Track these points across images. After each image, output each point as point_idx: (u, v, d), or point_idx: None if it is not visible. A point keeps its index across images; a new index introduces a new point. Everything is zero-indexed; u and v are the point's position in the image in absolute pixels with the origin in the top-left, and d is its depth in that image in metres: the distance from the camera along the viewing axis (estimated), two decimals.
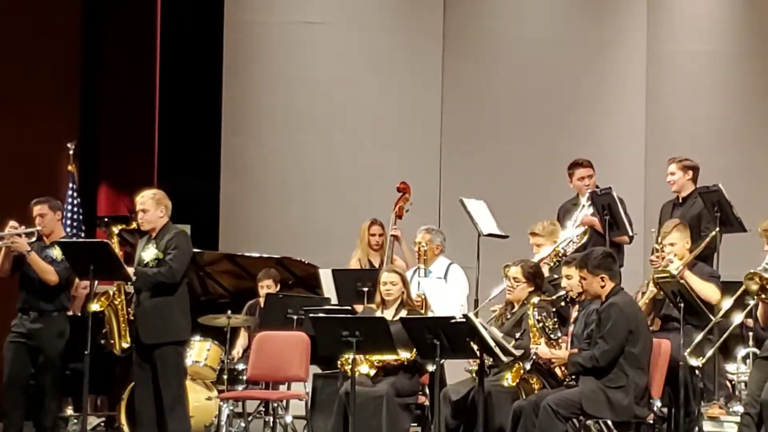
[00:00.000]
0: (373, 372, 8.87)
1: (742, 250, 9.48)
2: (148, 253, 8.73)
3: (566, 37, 14.02)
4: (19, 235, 9.03)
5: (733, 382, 9.52)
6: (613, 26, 14.24)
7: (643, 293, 9.11)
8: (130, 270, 8.73)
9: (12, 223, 9.09)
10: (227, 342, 10.25)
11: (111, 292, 8.79)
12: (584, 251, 8.97)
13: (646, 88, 14.27)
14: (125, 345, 8.81)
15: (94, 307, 8.74)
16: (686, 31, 14.52)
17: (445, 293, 9.86)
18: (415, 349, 8.44)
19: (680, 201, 9.82)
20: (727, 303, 8.64)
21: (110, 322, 8.82)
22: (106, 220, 11.80)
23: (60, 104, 12.38)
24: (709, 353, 8.56)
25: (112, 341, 8.85)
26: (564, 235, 9.78)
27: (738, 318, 8.80)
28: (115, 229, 9.07)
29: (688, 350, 8.43)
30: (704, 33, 14.58)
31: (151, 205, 8.82)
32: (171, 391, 8.76)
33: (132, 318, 8.78)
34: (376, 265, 10.28)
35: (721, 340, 8.62)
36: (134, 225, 8.94)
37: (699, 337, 8.53)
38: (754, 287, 8.04)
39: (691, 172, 9.76)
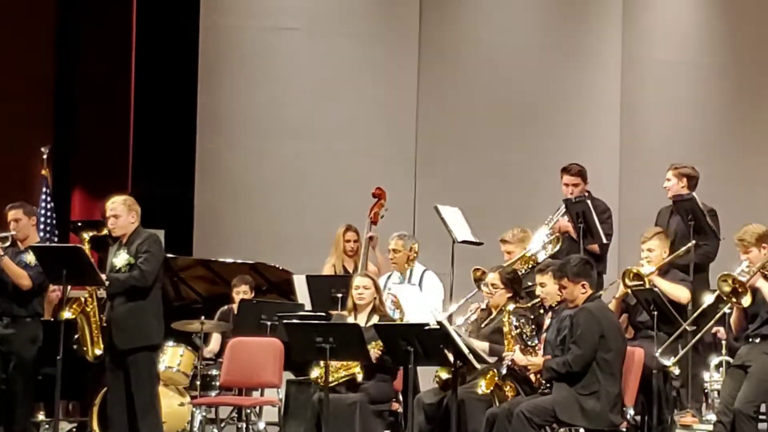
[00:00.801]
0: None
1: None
2: (120, 258, 8.70)
3: (541, 45, 14.07)
4: None
5: (706, 391, 9.55)
6: (588, 35, 14.29)
7: (615, 297, 9.14)
8: (104, 276, 8.70)
9: None
10: (200, 347, 10.23)
11: (83, 299, 8.75)
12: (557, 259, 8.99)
13: (620, 96, 14.32)
14: (98, 351, 8.78)
15: (66, 314, 8.69)
16: (660, 41, 14.60)
17: (418, 300, 9.88)
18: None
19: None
20: (707, 299, 8.57)
21: (82, 329, 8.79)
22: (79, 224, 11.78)
23: (33, 108, 12.34)
24: (681, 353, 8.54)
25: (85, 348, 8.81)
26: (535, 242, 9.77)
27: (710, 322, 8.77)
28: (86, 235, 9.01)
29: (660, 350, 8.42)
30: (678, 43, 14.66)
31: (123, 211, 8.79)
32: (143, 396, 8.71)
33: (105, 324, 8.74)
34: (351, 271, 10.27)
35: (694, 340, 8.60)
36: (105, 231, 8.88)
37: (671, 339, 8.52)
38: (727, 288, 8.07)
39: (685, 180, 9.72)
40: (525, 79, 13.95)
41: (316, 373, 8.71)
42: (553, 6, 14.16)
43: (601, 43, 14.33)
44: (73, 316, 8.70)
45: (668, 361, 8.46)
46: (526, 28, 14.06)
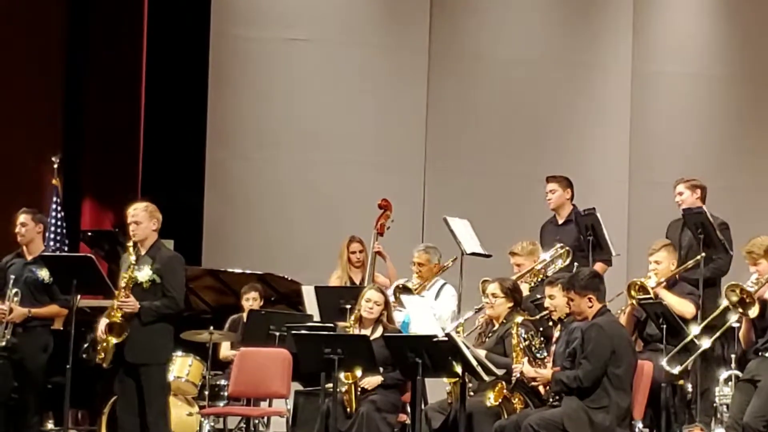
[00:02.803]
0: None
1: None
2: (143, 273, 8.58)
3: (550, 58, 14.07)
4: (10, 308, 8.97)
5: (716, 405, 9.52)
6: (598, 48, 14.30)
7: (622, 310, 9.12)
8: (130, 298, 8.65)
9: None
10: (209, 357, 10.21)
11: (118, 316, 8.66)
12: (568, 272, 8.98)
13: (630, 109, 14.31)
14: (111, 359, 8.73)
15: (104, 320, 8.61)
16: (669, 54, 14.60)
17: (427, 312, 9.87)
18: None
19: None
20: (723, 309, 8.55)
21: (111, 335, 8.69)
22: (89, 234, 11.79)
23: (43, 118, 12.34)
24: (689, 361, 8.52)
25: (101, 355, 8.73)
26: (543, 256, 9.75)
27: (717, 333, 8.74)
28: (130, 245, 8.86)
29: (666, 358, 8.41)
30: (687, 55, 14.67)
31: (144, 218, 8.73)
32: (154, 408, 8.68)
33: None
34: (357, 282, 10.26)
35: (701, 350, 8.56)
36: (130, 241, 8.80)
37: (676, 348, 8.49)
38: (734, 298, 8.12)
39: (699, 191, 9.72)
40: (534, 92, 13.95)
41: None
42: (562, 19, 14.15)
43: (610, 56, 14.33)
44: (117, 321, 8.60)
45: (674, 370, 8.43)
46: (535, 42, 14.05)
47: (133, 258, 8.62)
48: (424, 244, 10.34)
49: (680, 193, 9.69)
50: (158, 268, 8.61)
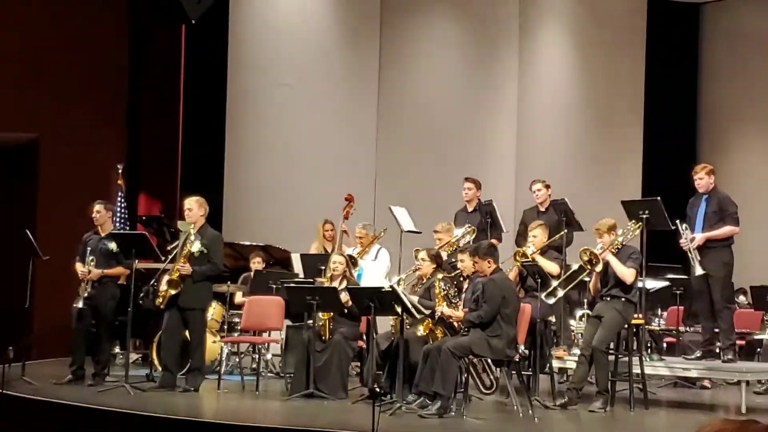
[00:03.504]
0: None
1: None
2: (195, 246, 8.67)
3: (462, 92, 14.11)
4: (89, 271, 8.91)
5: (573, 334, 9.59)
6: (494, 84, 14.35)
7: (510, 269, 9.15)
8: (187, 265, 8.61)
9: (78, 267, 8.96)
10: (227, 303, 10.20)
11: (176, 276, 8.63)
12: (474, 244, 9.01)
13: (516, 126, 14.38)
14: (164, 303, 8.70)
15: (166, 287, 8.58)
16: (546, 88, 14.68)
17: (375, 270, 9.94)
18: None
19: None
20: (573, 267, 8.53)
21: (168, 292, 8.66)
22: (144, 218, 11.75)
23: (112, 137, 12.28)
24: (560, 294, 8.44)
25: (161, 300, 8.68)
26: (456, 233, 9.78)
27: (572, 284, 8.68)
28: (191, 229, 8.80)
29: (544, 293, 8.38)
30: (555, 90, 14.76)
31: (195, 207, 8.82)
32: (196, 337, 8.79)
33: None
34: (329, 252, 10.25)
35: (567, 289, 8.51)
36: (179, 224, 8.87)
37: (547, 290, 8.42)
38: (585, 258, 8.13)
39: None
40: (452, 116, 14.03)
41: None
42: (471, 65, 14.20)
43: (503, 91, 14.40)
44: (173, 291, 8.60)
45: (551, 300, 8.38)
46: (451, 80, 14.10)
47: (191, 235, 8.70)
48: (362, 223, 10.33)
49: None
50: (205, 243, 8.70)
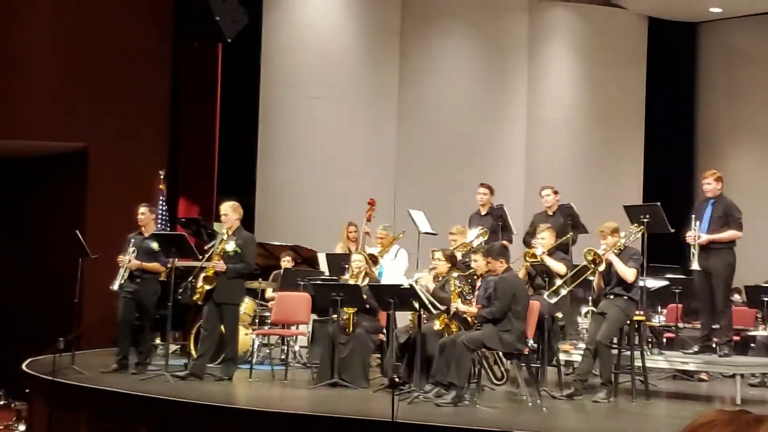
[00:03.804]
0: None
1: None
2: (230, 245, 8.66)
3: (476, 107, 14.13)
4: (129, 260, 8.96)
5: (579, 329, 9.53)
6: (505, 99, 14.34)
7: (519, 269, 9.09)
8: (220, 262, 8.59)
9: (119, 258, 9.00)
10: (258, 298, 10.20)
11: (210, 276, 8.63)
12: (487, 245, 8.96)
13: (525, 139, 14.36)
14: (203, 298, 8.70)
15: (202, 283, 8.57)
16: (553, 102, 14.65)
17: (394, 269, 9.91)
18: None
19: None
20: (582, 266, 8.45)
21: (203, 287, 8.67)
22: (183, 220, 11.78)
23: (156, 147, 12.32)
24: (563, 292, 8.35)
25: (198, 295, 8.68)
26: (471, 235, 9.74)
27: (577, 281, 8.60)
28: (224, 230, 8.85)
29: (548, 292, 8.31)
30: (563, 106, 14.72)
31: (230, 211, 8.79)
32: (230, 329, 8.77)
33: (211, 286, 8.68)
34: (353, 252, 10.22)
35: (571, 287, 8.43)
36: (215, 225, 8.89)
37: (552, 288, 8.37)
38: (589, 257, 8.04)
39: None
40: (466, 127, 14.04)
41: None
42: (484, 79, 14.20)
43: (514, 104, 14.39)
44: (208, 285, 8.60)
45: (553, 299, 8.26)
46: (466, 93, 14.11)
47: (224, 236, 8.71)
48: (382, 225, 10.30)
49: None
50: (239, 243, 8.67)
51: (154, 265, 9.04)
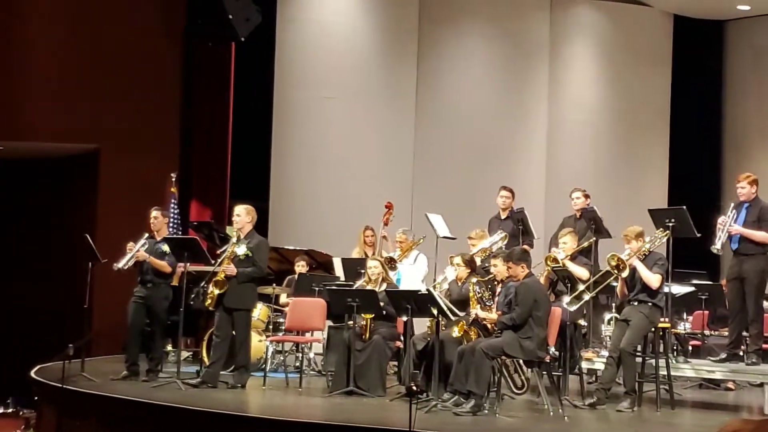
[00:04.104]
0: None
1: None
2: (241, 249, 8.67)
3: (496, 108, 14.11)
4: (137, 251, 8.98)
5: (603, 336, 9.49)
6: (526, 101, 14.32)
7: (541, 274, 9.06)
8: (231, 266, 8.61)
9: (129, 245, 9.02)
10: (273, 304, 10.21)
11: (221, 277, 8.64)
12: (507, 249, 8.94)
13: (546, 141, 14.32)
14: (214, 304, 8.71)
15: (213, 288, 8.59)
16: (576, 103, 14.62)
17: (413, 274, 9.90)
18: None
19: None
20: (605, 272, 8.39)
21: (213, 292, 8.67)
22: (195, 224, 11.80)
23: (167, 149, 12.39)
24: (585, 298, 8.28)
25: (210, 301, 8.69)
26: (490, 239, 9.72)
27: (600, 287, 8.55)
28: (234, 235, 8.88)
29: (567, 300, 8.27)
30: (584, 108, 14.69)
31: (243, 213, 8.80)
32: (241, 336, 8.75)
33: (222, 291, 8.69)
34: (370, 256, 10.22)
35: (594, 293, 8.36)
36: (228, 229, 8.94)
37: (574, 294, 8.30)
38: (613, 263, 7.99)
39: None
40: (485, 129, 14.02)
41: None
42: (503, 80, 14.20)
43: (535, 105, 14.36)
44: (219, 290, 8.58)
45: (573, 307, 8.23)
46: (485, 94, 14.09)
47: (234, 239, 8.71)
48: (402, 229, 10.32)
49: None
50: (251, 247, 8.68)
51: (162, 264, 9.02)
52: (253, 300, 9.04)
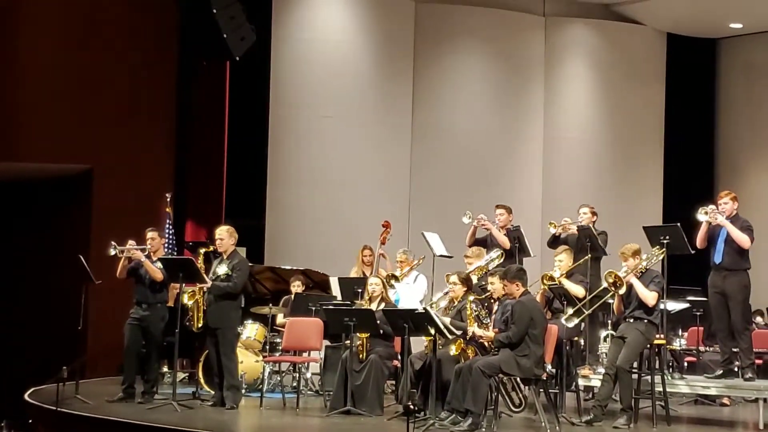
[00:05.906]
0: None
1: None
2: (221, 269, 8.75)
3: (491, 126, 14.18)
4: (135, 249, 9.03)
5: (599, 353, 9.53)
6: (521, 119, 14.38)
7: (538, 292, 9.09)
8: (209, 279, 8.73)
9: (131, 241, 9.07)
10: (269, 324, 10.23)
11: (196, 291, 8.76)
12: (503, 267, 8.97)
13: (542, 159, 14.38)
14: (200, 325, 8.79)
15: (186, 299, 8.72)
16: (570, 120, 14.69)
17: (412, 294, 9.94)
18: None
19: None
20: (602, 289, 8.45)
21: (193, 310, 8.79)
22: (191, 244, 11.84)
23: (162, 169, 12.43)
24: (582, 316, 8.39)
25: (192, 322, 8.81)
26: (487, 257, 9.75)
27: (597, 303, 8.62)
28: (202, 251, 9.08)
29: (566, 316, 8.33)
30: (580, 125, 14.75)
31: (226, 236, 8.86)
32: (227, 356, 8.76)
33: (205, 309, 8.76)
34: (368, 276, 10.24)
35: (590, 311, 8.48)
36: (212, 248, 8.98)
37: (571, 311, 8.39)
38: (610, 279, 8.04)
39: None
40: (481, 146, 14.07)
41: None
42: (499, 97, 14.27)
43: (530, 123, 14.43)
44: (190, 301, 8.73)
45: (570, 323, 8.31)
46: (481, 112, 14.16)
47: (217, 260, 8.76)
48: (402, 249, 10.35)
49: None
50: (232, 267, 8.73)
51: (155, 270, 9.02)
52: (236, 318, 9.00)
